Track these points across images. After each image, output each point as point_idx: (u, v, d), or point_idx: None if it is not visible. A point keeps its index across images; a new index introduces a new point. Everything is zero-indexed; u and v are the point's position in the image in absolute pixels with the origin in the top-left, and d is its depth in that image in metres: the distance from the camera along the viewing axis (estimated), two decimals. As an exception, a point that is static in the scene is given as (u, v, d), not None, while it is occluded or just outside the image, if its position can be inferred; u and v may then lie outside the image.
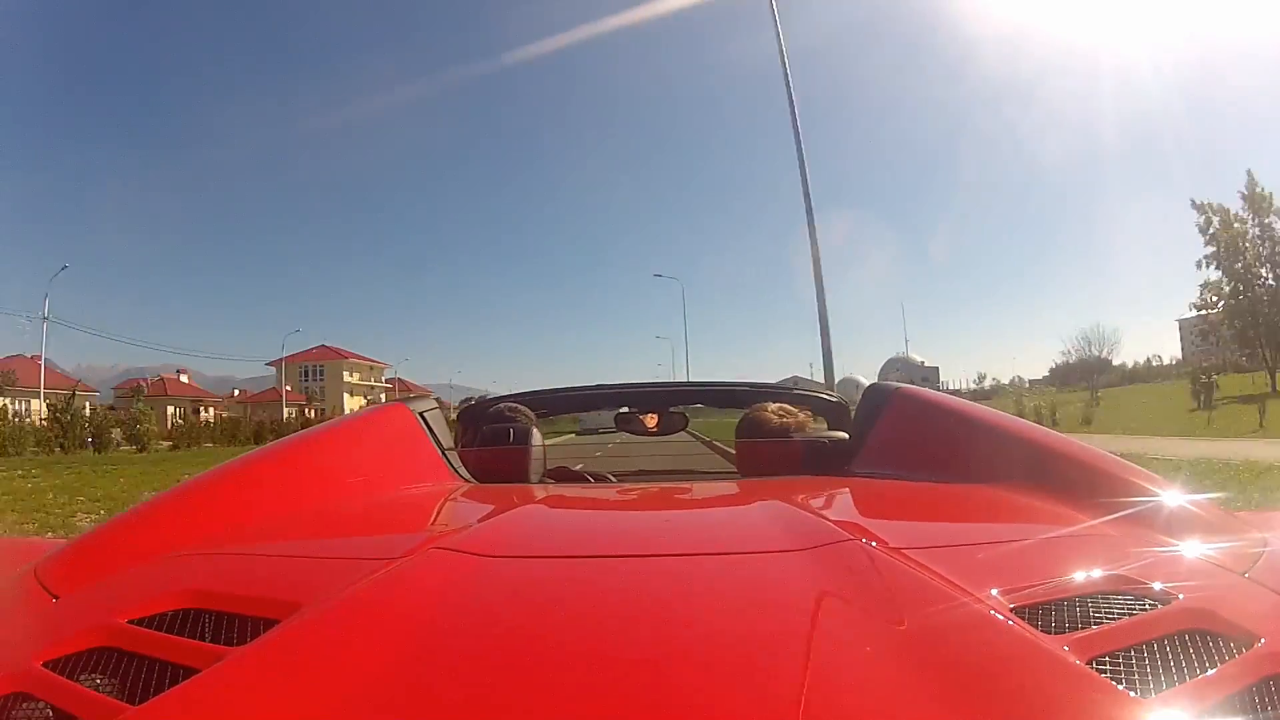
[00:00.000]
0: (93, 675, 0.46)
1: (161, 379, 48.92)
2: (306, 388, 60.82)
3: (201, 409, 47.58)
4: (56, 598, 0.61)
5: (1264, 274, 27.07)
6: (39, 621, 0.58)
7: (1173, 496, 0.73)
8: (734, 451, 1.43)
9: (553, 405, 1.86)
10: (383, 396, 61.00)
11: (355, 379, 60.59)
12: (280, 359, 54.39)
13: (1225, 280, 27.60)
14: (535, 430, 1.33)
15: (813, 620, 0.46)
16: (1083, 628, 0.46)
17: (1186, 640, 0.45)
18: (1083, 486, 0.80)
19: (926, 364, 54.42)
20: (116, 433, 20.59)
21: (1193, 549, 0.62)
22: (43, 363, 35.35)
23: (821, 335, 11.69)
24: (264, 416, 38.21)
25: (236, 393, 58.88)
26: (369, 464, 1.05)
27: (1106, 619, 0.47)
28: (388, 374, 64.33)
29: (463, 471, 1.17)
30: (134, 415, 20.91)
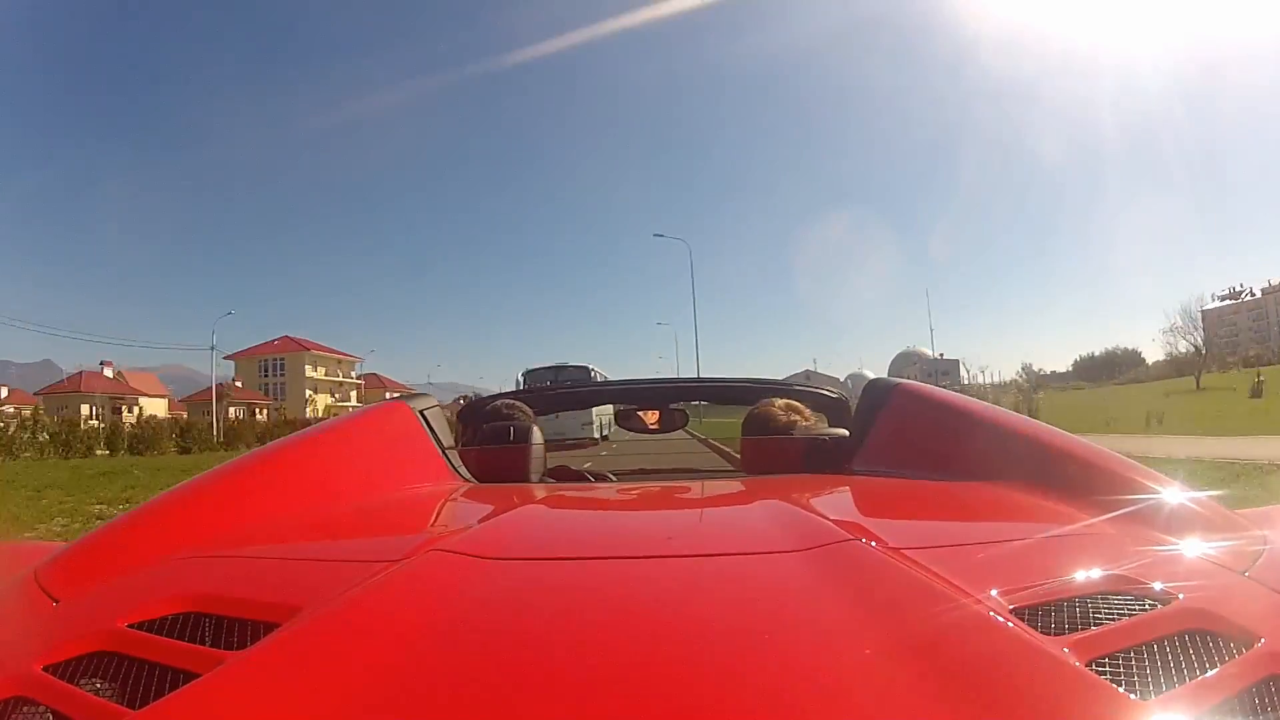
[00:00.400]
0: (93, 679, 0.46)
1: (79, 373, 40.83)
2: (265, 384, 52.83)
3: (127, 408, 39.56)
4: (57, 601, 0.61)
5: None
6: (39, 625, 0.58)
7: (1173, 494, 0.73)
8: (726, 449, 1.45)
9: (553, 403, 1.90)
10: (353, 395, 53.60)
11: (321, 374, 53.31)
12: (236, 353, 46.55)
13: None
14: (535, 429, 1.32)
15: (812, 621, 0.46)
16: (1082, 628, 0.46)
17: (1186, 640, 0.45)
18: (1083, 484, 0.79)
19: (945, 356, 50.54)
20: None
21: (1193, 548, 0.62)
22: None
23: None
24: (197, 418, 30.72)
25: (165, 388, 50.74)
26: (369, 463, 1.04)
27: (1106, 619, 0.47)
28: (360, 369, 56.87)
29: (463, 471, 1.16)
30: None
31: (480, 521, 0.80)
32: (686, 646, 0.43)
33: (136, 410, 39.49)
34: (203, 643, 0.48)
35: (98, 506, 7.41)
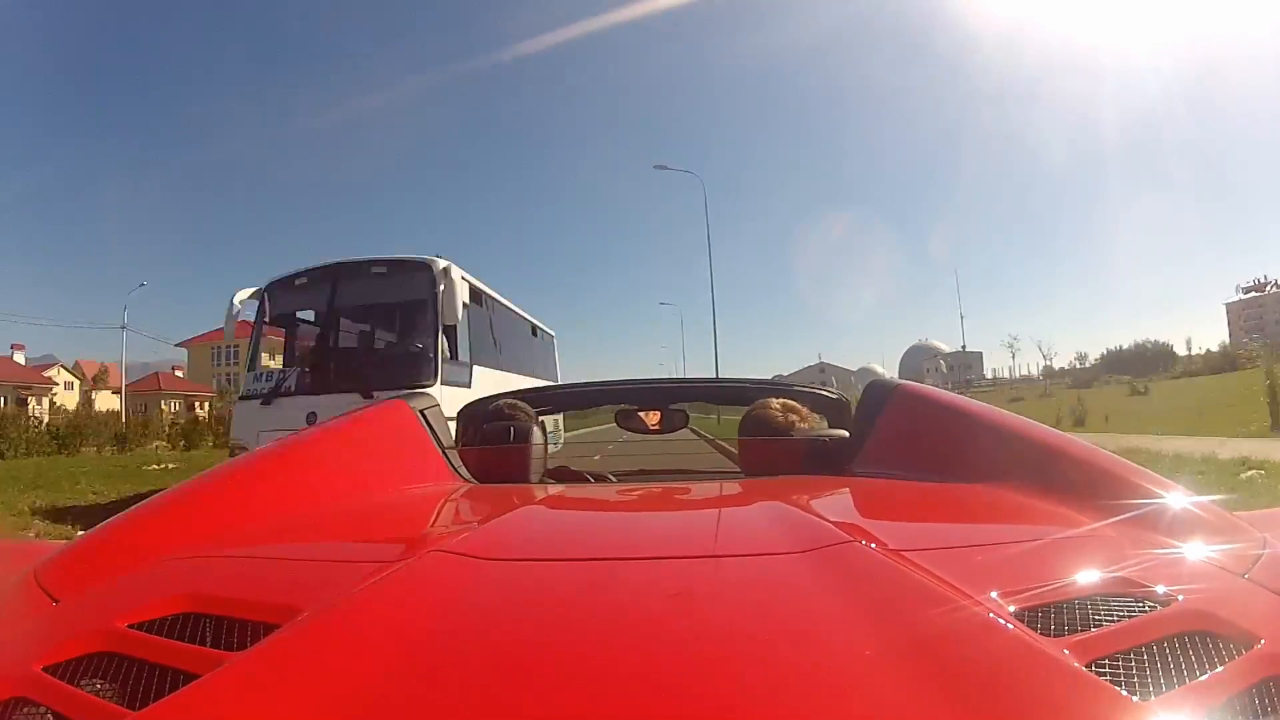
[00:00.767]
0: (93, 680, 0.46)
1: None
2: (218, 374, 48.46)
3: (35, 400, 35.04)
4: (57, 601, 0.61)
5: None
6: (39, 625, 0.57)
7: (1174, 497, 0.73)
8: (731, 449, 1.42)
9: (553, 403, 1.92)
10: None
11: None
12: (186, 340, 42.29)
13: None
14: (536, 429, 1.32)
15: (812, 624, 0.46)
16: (1083, 630, 0.46)
17: (1186, 642, 0.45)
18: (1084, 486, 0.79)
19: (968, 349, 47.82)
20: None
21: (1193, 550, 0.62)
22: None
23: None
24: (133, 410, 26.80)
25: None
26: (369, 463, 1.04)
27: (1106, 621, 0.47)
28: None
29: (463, 471, 1.16)
30: None
31: (480, 522, 0.80)
32: (686, 648, 0.43)
33: (46, 402, 34.88)
34: (202, 643, 0.48)
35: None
